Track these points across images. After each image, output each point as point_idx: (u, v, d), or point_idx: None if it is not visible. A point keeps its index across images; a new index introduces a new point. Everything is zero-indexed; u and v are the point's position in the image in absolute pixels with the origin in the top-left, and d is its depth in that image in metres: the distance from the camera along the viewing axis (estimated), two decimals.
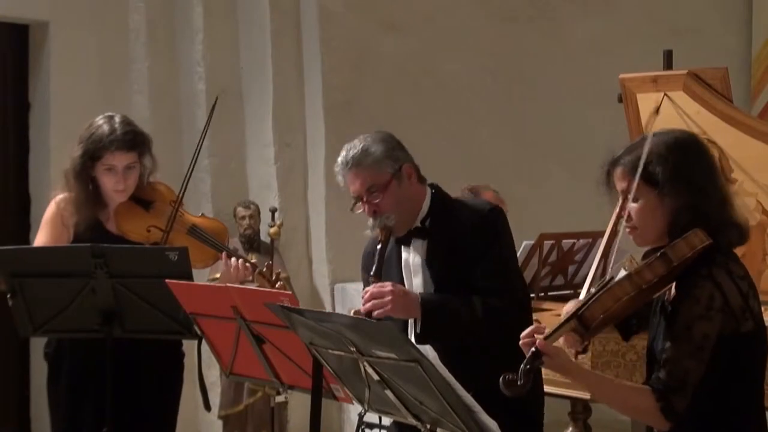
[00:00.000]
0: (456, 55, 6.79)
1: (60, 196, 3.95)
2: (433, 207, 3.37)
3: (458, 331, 3.24)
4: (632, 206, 2.78)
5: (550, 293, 5.11)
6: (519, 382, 2.55)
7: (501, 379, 2.57)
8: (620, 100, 4.75)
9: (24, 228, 6.29)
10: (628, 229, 2.83)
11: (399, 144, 3.40)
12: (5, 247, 3.69)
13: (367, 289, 3.25)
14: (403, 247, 3.40)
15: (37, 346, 5.89)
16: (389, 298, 3.18)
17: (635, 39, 6.83)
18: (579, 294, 4.22)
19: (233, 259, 3.85)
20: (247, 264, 3.85)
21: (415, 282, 3.36)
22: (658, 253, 2.67)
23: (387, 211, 3.29)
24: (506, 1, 6.96)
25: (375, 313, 3.18)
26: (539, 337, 2.64)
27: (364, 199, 3.31)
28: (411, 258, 3.38)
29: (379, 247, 3.30)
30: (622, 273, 2.71)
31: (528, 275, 4.91)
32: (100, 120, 3.90)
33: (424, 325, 3.22)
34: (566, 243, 5.07)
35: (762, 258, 4.58)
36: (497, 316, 3.20)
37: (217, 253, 3.92)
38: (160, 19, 6.54)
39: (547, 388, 3.80)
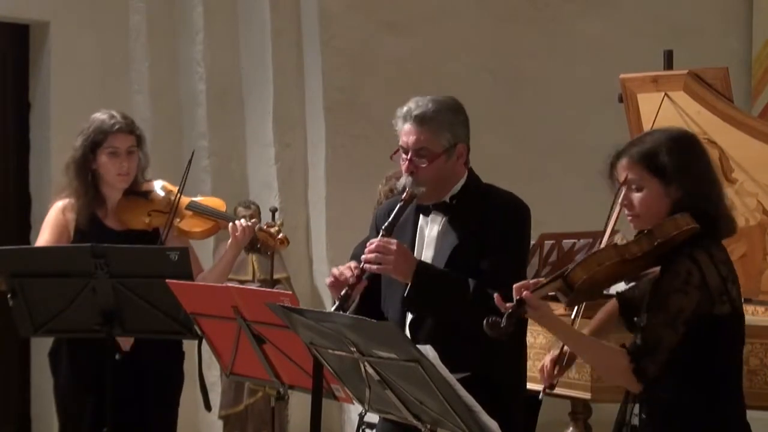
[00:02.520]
0: (456, 55, 6.78)
1: (61, 201, 3.98)
2: (464, 188, 3.35)
3: (445, 306, 3.23)
4: (636, 195, 2.92)
5: (550, 293, 5.09)
6: (501, 325, 2.76)
7: (485, 321, 2.78)
8: (621, 100, 4.75)
9: (24, 228, 6.29)
10: (629, 217, 2.96)
11: (465, 120, 3.39)
12: (5, 247, 3.70)
13: (373, 240, 3.22)
14: (422, 215, 3.37)
15: (38, 346, 5.90)
16: (392, 256, 3.16)
17: (636, 39, 6.82)
18: None
19: (237, 223, 3.93)
20: (248, 222, 3.95)
21: (426, 254, 3.34)
22: (645, 230, 2.85)
23: (424, 178, 3.26)
24: (507, 1, 6.95)
25: (374, 267, 3.17)
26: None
27: (409, 156, 3.28)
28: (427, 229, 3.36)
29: (399, 205, 3.26)
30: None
31: (528, 275, 4.90)
32: (97, 114, 4.04)
33: (413, 290, 3.21)
34: (567, 243, 5.07)
35: (762, 257, 4.59)
36: (488, 304, 3.14)
37: (216, 222, 3.97)
38: (161, 19, 6.54)
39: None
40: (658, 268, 2.91)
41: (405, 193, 3.28)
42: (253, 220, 4.04)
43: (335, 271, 3.26)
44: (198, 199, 4.14)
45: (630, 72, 4.71)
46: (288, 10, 6.55)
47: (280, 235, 4.01)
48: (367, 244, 3.25)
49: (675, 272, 2.80)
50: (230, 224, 3.98)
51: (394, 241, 3.21)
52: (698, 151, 2.96)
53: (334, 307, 3.18)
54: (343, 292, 3.18)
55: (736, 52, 7.04)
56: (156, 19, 6.52)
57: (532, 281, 2.88)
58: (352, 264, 3.26)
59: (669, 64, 4.79)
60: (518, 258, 3.36)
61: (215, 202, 4.14)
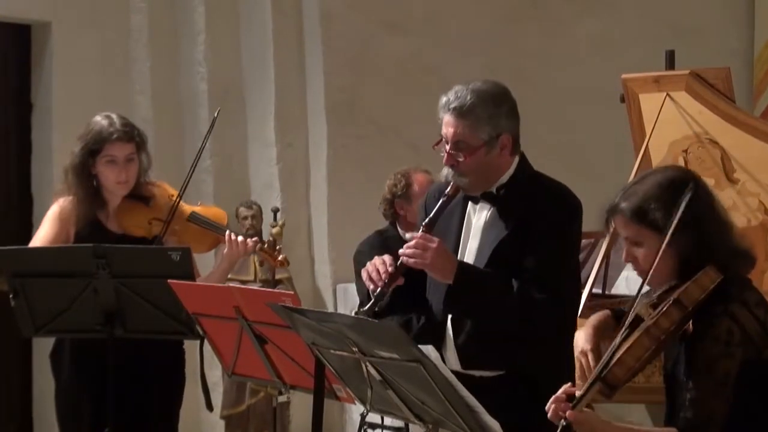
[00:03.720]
0: (457, 55, 6.78)
1: (63, 198, 3.97)
2: (513, 178, 3.24)
3: (487, 308, 3.13)
4: (638, 252, 2.76)
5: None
6: None
7: None
8: (622, 100, 4.75)
9: (26, 228, 6.28)
10: (636, 272, 2.81)
11: (510, 109, 3.27)
12: (7, 248, 3.69)
13: (415, 235, 3.13)
14: (470, 202, 3.27)
15: (40, 346, 5.90)
16: (431, 253, 3.08)
17: (637, 39, 6.82)
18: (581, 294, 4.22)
19: (236, 237, 3.91)
20: (249, 240, 3.89)
21: (471, 244, 3.24)
22: (671, 300, 2.65)
23: (464, 171, 3.17)
24: (508, 1, 6.95)
25: (411, 261, 3.08)
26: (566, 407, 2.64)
27: (449, 148, 3.19)
28: (475, 218, 3.26)
29: (442, 200, 3.19)
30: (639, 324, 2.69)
31: None
32: (97, 117, 3.99)
33: (452, 291, 3.12)
34: None
35: (765, 257, 4.59)
36: (532, 308, 3.09)
37: (218, 236, 3.96)
38: (162, 20, 6.54)
39: None
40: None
41: (449, 187, 3.19)
42: (255, 239, 3.98)
43: (370, 266, 3.16)
44: (199, 208, 4.08)
45: (632, 72, 4.71)
46: (289, 11, 6.55)
47: (281, 257, 3.96)
48: (407, 236, 3.17)
49: (714, 337, 2.63)
50: (227, 235, 3.93)
51: (436, 239, 3.12)
52: (694, 194, 2.70)
53: (368, 306, 3.08)
54: (378, 290, 3.10)
55: (738, 52, 7.03)
56: (157, 20, 6.51)
57: (569, 389, 2.69)
58: (387, 259, 3.16)
59: (671, 64, 4.79)
60: (564, 256, 3.21)
61: (217, 214, 4.09)
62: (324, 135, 6.48)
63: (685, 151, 4.53)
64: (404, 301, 3.26)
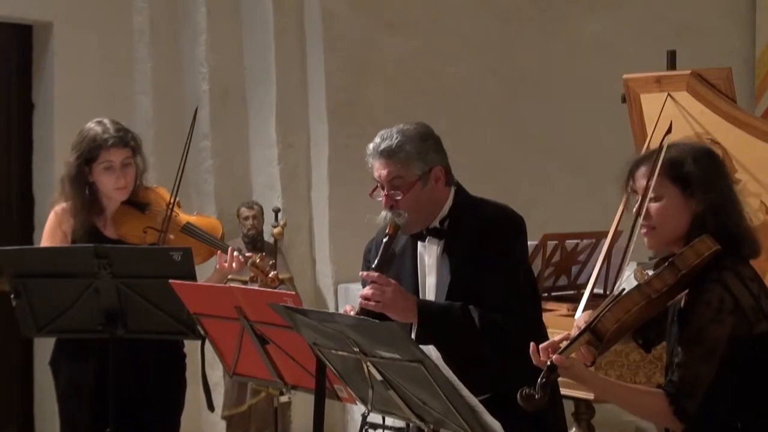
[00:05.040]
0: (459, 56, 6.78)
1: (58, 206, 3.97)
2: (453, 209, 3.31)
3: (454, 340, 3.16)
4: (653, 205, 2.80)
5: (553, 293, 5.10)
6: (536, 396, 2.60)
7: (518, 394, 2.61)
8: (624, 100, 4.75)
9: (27, 228, 6.29)
10: (644, 230, 2.84)
11: (436, 144, 3.34)
12: (9, 248, 3.69)
13: (370, 273, 3.18)
14: (419, 243, 3.34)
15: (41, 346, 5.91)
16: (390, 293, 3.14)
17: (639, 39, 6.82)
18: (582, 295, 4.23)
19: (228, 254, 3.89)
20: (240, 256, 3.88)
21: (429, 281, 3.32)
22: (667, 263, 2.71)
23: (404, 209, 3.24)
24: (509, 1, 6.95)
25: (372, 304, 3.13)
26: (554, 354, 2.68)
27: (385, 191, 3.27)
28: (427, 256, 3.33)
29: (384, 240, 3.26)
30: (632, 283, 2.74)
31: None
32: (90, 124, 3.97)
33: (420, 330, 3.18)
34: (570, 243, 5.06)
35: (766, 258, 4.58)
36: (495, 331, 3.16)
37: (212, 248, 3.95)
38: (164, 20, 6.55)
39: None
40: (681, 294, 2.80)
41: (388, 227, 3.26)
42: (248, 254, 3.96)
43: None
44: (194, 218, 4.07)
45: (633, 72, 4.70)
46: (291, 11, 6.55)
47: (272, 274, 3.94)
48: (361, 277, 3.22)
49: (706, 302, 2.69)
50: (219, 252, 3.93)
51: (392, 281, 3.18)
52: (723, 168, 2.86)
53: None
54: None
55: (740, 52, 7.03)
56: (159, 20, 6.52)
57: (558, 338, 2.76)
58: (347, 309, 3.23)
59: (672, 64, 4.79)
60: (516, 275, 3.27)
61: (212, 225, 4.08)
62: (325, 135, 6.49)
63: None
64: None
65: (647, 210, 2.80)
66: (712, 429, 2.75)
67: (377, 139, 3.31)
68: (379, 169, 3.29)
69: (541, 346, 2.73)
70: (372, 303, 3.15)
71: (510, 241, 3.26)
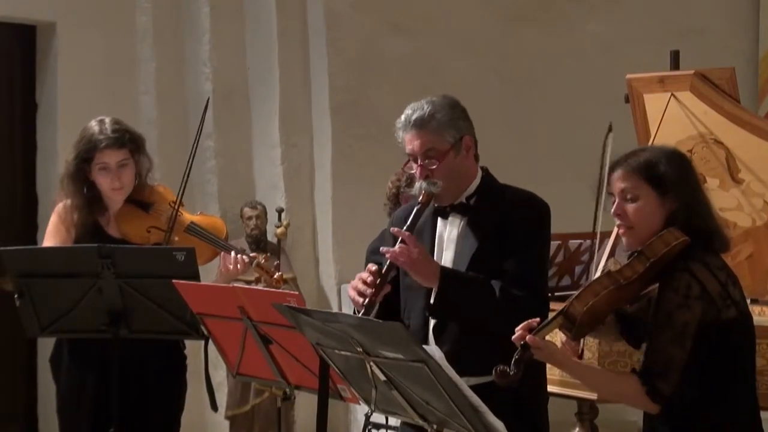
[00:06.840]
0: (462, 56, 6.79)
1: (60, 204, 3.96)
2: (481, 187, 3.33)
3: (472, 310, 3.19)
4: (630, 206, 2.92)
5: (557, 294, 5.10)
6: (510, 372, 2.75)
7: (494, 370, 2.76)
8: (627, 100, 4.75)
9: (31, 228, 6.29)
10: (621, 230, 2.97)
11: (464, 113, 3.37)
12: (12, 248, 3.69)
13: (404, 233, 3.15)
14: (440, 219, 3.34)
15: (45, 346, 5.91)
16: (416, 254, 3.13)
17: (642, 39, 6.82)
18: None
19: (232, 254, 3.87)
20: (244, 257, 3.88)
21: (446, 255, 3.31)
22: (636, 252, 2.86)
23: (439, 178, 3.24)
24: (513, 2, 6.95)
25: (401, 260, 3.12)
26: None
27: (419, 162, 3.27)
28: (447, 232, 3.33)
29: (416, 208, 3.25)
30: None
31: None
32: (91, 122, 3.95)
33: (439, 296, 3.17)
34: (573, 243, 5.06)
35: None
36: (514, 305, 3.15)
37: (215, 248, 3.94)
38: (167, 20, 6.55)
39: (553, 389, 3.80)
40: (655, 286, 2.90)
41: (421, 195, 3.25)
42: (252, 255, 3.95)
43: (354, 283, 3.20)
44: (198, 217, 4.05)
45: (636, 72, 4.70)
46: (294, 11, 6.55)
47: (276, 275, 3.92)
48: (381, 250, 3.19)
49: (674, 288, 2.80)
50: (222, 254, 3.90)
51: (420, 245, 3.18)
52: (693, 169, 2.99)
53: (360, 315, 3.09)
54: (366, 300, 3.13)
55: (743, 52, 7.03)
56: (163, 20, 6.52)
57: (534, 320, 2.86)
58: (371, 268, 3.20)
59: (675, 64, 4.79)
60: (541, 257, 3.33)
61: (216, 225, 4.05)
62: (328, 135, 6.49)
63: (690, 151, 4.53)
64: (392, 311, 3.30)
65: (624, 210, 2.93)
66: (681, 413, 2.82)
67: (408, 111, 3.32)
68: (411, 141, 3.28)
69: (517, 328, 2.84)
70: (401, 259, 3.14)
71: (539, 223, 3.31)
